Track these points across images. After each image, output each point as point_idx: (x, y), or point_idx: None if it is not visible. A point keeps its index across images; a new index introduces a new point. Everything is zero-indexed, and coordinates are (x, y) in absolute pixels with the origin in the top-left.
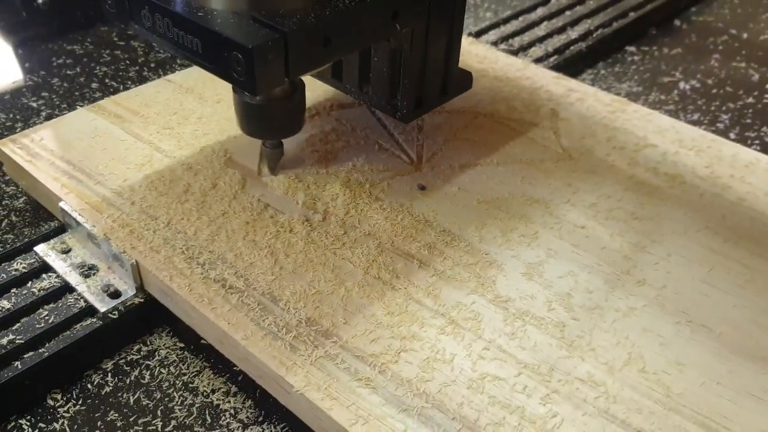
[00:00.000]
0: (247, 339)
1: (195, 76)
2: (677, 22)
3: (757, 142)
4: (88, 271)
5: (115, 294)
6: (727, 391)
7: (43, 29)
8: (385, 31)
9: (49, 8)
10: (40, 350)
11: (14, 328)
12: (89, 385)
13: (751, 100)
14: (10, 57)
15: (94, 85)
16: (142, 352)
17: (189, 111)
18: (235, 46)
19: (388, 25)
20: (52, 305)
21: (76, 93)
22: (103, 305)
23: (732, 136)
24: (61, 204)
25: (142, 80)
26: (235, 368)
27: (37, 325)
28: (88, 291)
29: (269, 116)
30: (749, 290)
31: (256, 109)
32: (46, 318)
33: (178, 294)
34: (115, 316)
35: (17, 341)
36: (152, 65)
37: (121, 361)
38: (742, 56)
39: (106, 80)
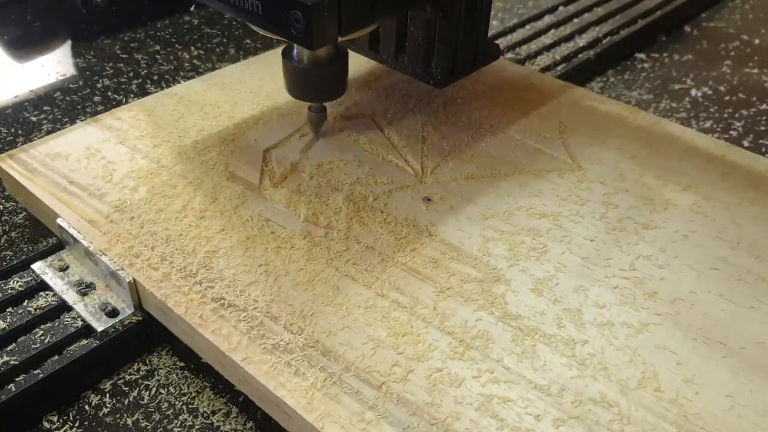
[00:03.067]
0: (247, 360)
1: (196, 89)
2: (687, 28)
3: None
4: (85, 289)
5: (113, 312)
6: (747, 411)
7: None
8: None
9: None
10: (34, 372)
11: (9, 348)
12: (87, 407)
13: (764, 107)
14: (11, 71)
15: (96, 99)
16: (141, 372)
17: (190, 124)
18: (295, 4)
19: None
20: (48, 325)
21: (78, 107)
22: (100, 324)
23: (746, 144)
24: (59, 220)
25: (144, 93)
26: (236, 388)
27: (33, 346)
28: (86, 310)
29: (315, 80)
30: (767, 305)
31: (302, 73)
32: (42, 338)
33: (175, 313)
34: (112, 336)
35: (11, 363)
36: (155, 78)
37: (120, 381)
38: (755, 62)
39: (108, 93)
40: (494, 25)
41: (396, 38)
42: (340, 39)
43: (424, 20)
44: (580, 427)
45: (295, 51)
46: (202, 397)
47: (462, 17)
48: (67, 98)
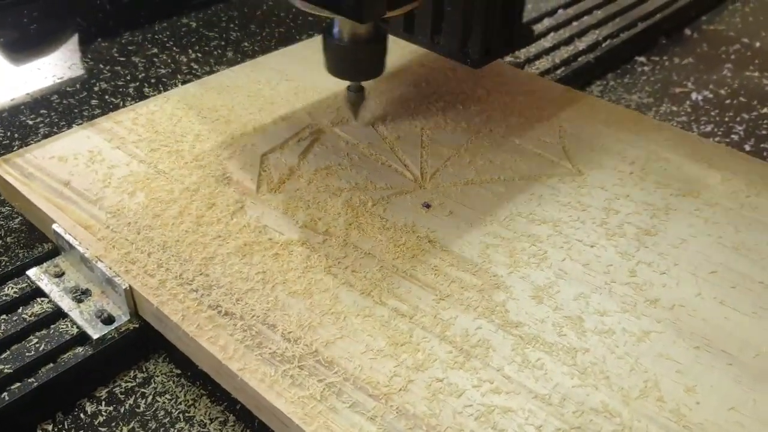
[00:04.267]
0: (244, 370)
1: (193, 93)
2: (688, 32)
3: None
4: (81, 295)
5: (109, 319)
6: (751, 421)
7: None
8: None
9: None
10: (29, 380)
11: (2, 357)
12: (82, 415)
13: (766, 110)
14: (7, 74)
15: (93, 102)
16: (137, 380)
17: (187, 128)
18: None
19: None
20: (43, 332)
21: (75, 110)
22: (96, 332)
23: (747, 148)
24: (54, 226)
25: (141, 97)
26: (233, 396)
27: (27, 354)
28: (81, 317)
29: (354, 58)
30: None
31: (342, 51)
32: (37, 346)
33: (171, 321)
34: (108, 343)
35: (5, 371)
36: (152, 81)
37: (116, 389)
38: (756, 65)
39: (106, 97)
40: None
41: (432, 19)
42: (387, 14)
43: (461, 0)
44: None
45: (336, 29)
46: (199, 405)
47: None
48: (64, 102)
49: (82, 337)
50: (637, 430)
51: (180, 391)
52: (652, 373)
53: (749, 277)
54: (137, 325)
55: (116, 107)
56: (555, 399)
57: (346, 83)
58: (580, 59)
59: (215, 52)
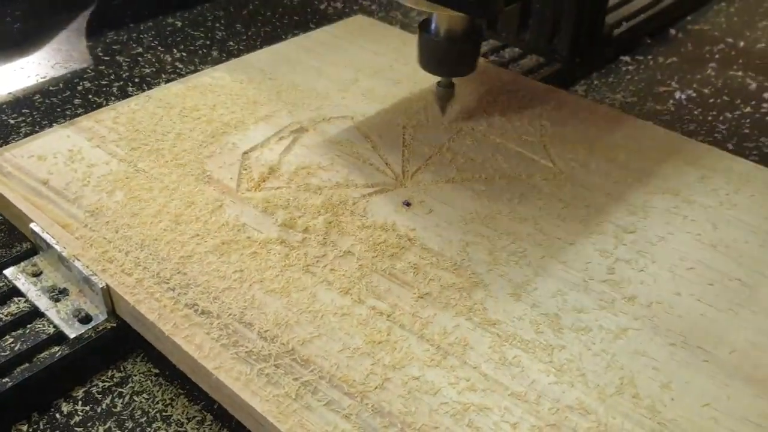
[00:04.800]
0: (219, 368)
1: (175, 92)
2: (672, 31)
3: (755, 152)
4: (58, 295)
5: (86, 319)
6: (724, 417)
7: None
8: None
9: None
10: (3, 380)
11: None
12: (58, 415)
13: (749, 109)
14: None
15: (76, 101)
16: (114, 379)
17: (168, 127)
18: None
19: None
20: (19, 332)
21: (58, 110)
22: (72, 331)
23: (730, 146)
24: (32, 225)
25: (125, 96)
26: (210, 395)
27: (2, 353)
28: (58, 316)
29: (448, 54)
30: (747, 309)
31: (437, 47)
32: (12, 345)
33: (148, 319)
34: (85, 343)
35: None
36: (136, 80)
37: (93, 389)
38: (739, 65)
39: (89, 96)
40: None
41: (519, 16)
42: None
43: None
44: None
45: (433, 25)
46: (177, 404)
47: None
48: (47, 101)
49: (59, 337)
50: (612, 426)
51: (157, 391)
52: (628, 370)
53: (726, 274)
54: (114, 324)
55: (99, 107)
56: (531, 396)
57: (323, 81)
58: None
59: (200, 52)
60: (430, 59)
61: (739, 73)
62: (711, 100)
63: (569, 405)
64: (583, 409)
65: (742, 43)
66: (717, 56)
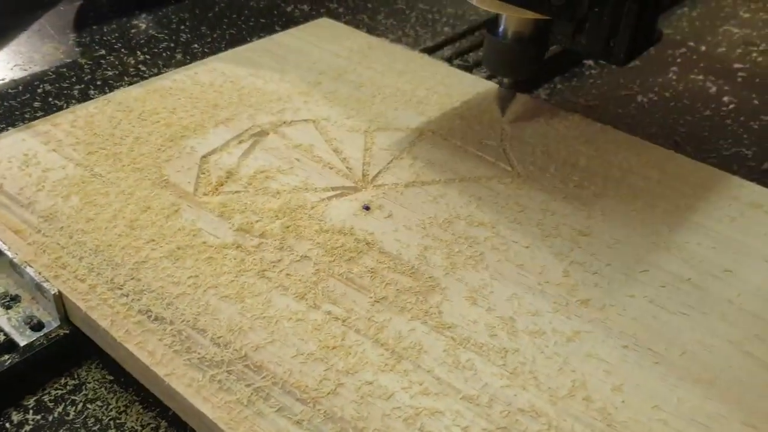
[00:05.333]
0: (171, 375)
1: (135, 95)
2: None
3: (713, 155)
4: (9, 302)
5: (38, 326)
6: (673, 419)
7: None
8: None
9: None
10: None
11: None
12: (7, 425)
13: (708, 113)
14: None
15: (36, 104)
16: (68, 387)
17: (126, 131)
18: None
19: None
20: None
21: (17, 112)
22: (23, 338)
23: (689, 149)
24: None
25: (86, 99)
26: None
27: None
28: (9, 323)
29: (513, 56)
30: (698, 311)
31: (502, 48)
32: None
33: (100, 326)
34: (37, 350)
35: None
36: (98, 83)
37: (45, 397)
38: (700, 69)
39: (49, 99)
40: (445, 31)
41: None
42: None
43: (611, 2)
44: None
45: (501, 28)
46: (131, 411)
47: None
48: (5, 104)
49: (9, 344)
50: (563, 429)
51: (112, 398)
52: (580, 373)
53: (678, 276)
54: (68, 331)
55: (60, 110)
56: (483, 400)
57: (286, 84)
58: None
59: (164, 54)
60: (496, 61)
61: (700, 77)
62: (672, 104)
63: (521, 408)
64: (534, 412)
65: (703, 47)
66: (679, 60)
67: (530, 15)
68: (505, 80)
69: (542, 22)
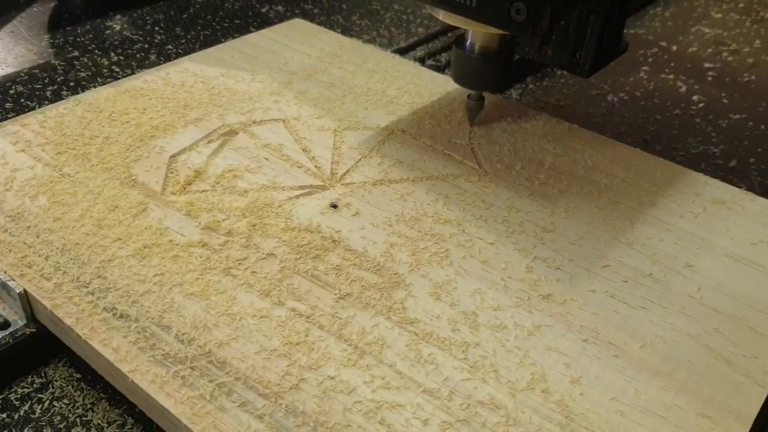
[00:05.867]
0: (135, 371)
1: (105, 96)
2: None
3: (682, 153)
4: None
5: (4, 325)
6: (630, 410)
7: None
8: None
9: None
10: None
11: None
12: None
13: (678, 111)
14: None
15: (7, 105)
16: (35, 385)
17: (96, 131)
18: None
19: None
20: None
21: None
22: None
23: (658, 147)
24: None
25: (59, 100)
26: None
27: None
28: None
29: (481, 70)
30: (658, 305)
31: (471, 62)
32: None
33: (66, 324)
34: (2, 349)
35: None
36: (71, 84)
37: (11, 396)
38: (671, 68)
39: (21, 100)
40: (419, 32)
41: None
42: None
43: (576, 14)
44: (465, 430)
45: (468, 42)
46: (98, 408)
47: (614, 12)
48: None
49: None
50: (521, 421)
51: (78, 395)
52: (540, 366)
53: (640, 271)
54: (34, 330)
55: (32, 111)
56: (443, 393)
57: (256, 84)
58: None
59: (138, 55)
60: (463, 74)
61: (671, 77)
62: (642, 103)
63: (480, 400)
64: (494, 405)
65: (674, 47)
66: (650, 60)
67: (495, 31)
68: (473, 92)
69: (508, 35)
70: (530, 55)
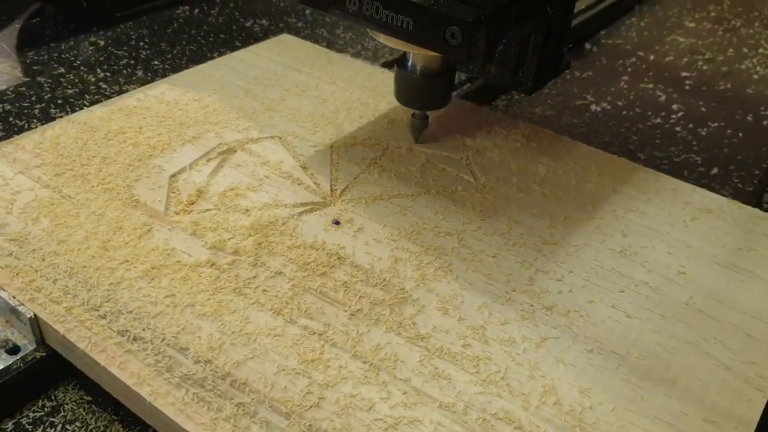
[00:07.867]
0: (153, 394)
1: (99, 115)
2: (587, 45)
3: (665, 162)
4: None
5: (14, 349)
6: (638, 418)
7: None
8: (539, 14)
9: None
10: None
11: None
12: None
13: (659, 120)
14: None
15: None
16: (46, 409)
17: (93, 151)
18: (453, 21)
19: (542, 9)
20: None
21: None
22: (0, 363)
23: (642, 156)
24: None
25: (48, 118)
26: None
27: None
28: None
29: (424, 90)
30: (656, 313)
31: (413, 82)
32: None
33: (79, 348)
34: (13, 374)
35: None
36: (59, 102)
37: (23, 420)
38: (650, 77)
39: (10, 119)
40: None
41: (484, 51)
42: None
43: (517, 34)
44: None
45: (409, 62)
46: (111, 431)
47: (553, 31)
48: None
49: None
50: None
51: (91, 418)
52: (550, 378)
53: (636, 280)
54: (44, 354)
55: (21, 130)
56: (459, 407)
57: (250, 101)
58: None
59: (125, 71)
60: (405, 94)
61: (650, 86)
62: (624, 113)
63: (495, 414)
64: (508, 418)
65: (652, 57)
66: (629, 69)
67: (425, 51)
68: (417, 112)
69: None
70: (474, 73)
